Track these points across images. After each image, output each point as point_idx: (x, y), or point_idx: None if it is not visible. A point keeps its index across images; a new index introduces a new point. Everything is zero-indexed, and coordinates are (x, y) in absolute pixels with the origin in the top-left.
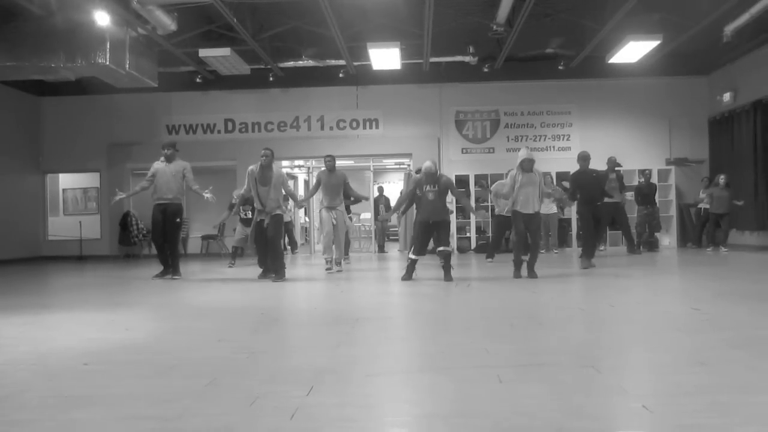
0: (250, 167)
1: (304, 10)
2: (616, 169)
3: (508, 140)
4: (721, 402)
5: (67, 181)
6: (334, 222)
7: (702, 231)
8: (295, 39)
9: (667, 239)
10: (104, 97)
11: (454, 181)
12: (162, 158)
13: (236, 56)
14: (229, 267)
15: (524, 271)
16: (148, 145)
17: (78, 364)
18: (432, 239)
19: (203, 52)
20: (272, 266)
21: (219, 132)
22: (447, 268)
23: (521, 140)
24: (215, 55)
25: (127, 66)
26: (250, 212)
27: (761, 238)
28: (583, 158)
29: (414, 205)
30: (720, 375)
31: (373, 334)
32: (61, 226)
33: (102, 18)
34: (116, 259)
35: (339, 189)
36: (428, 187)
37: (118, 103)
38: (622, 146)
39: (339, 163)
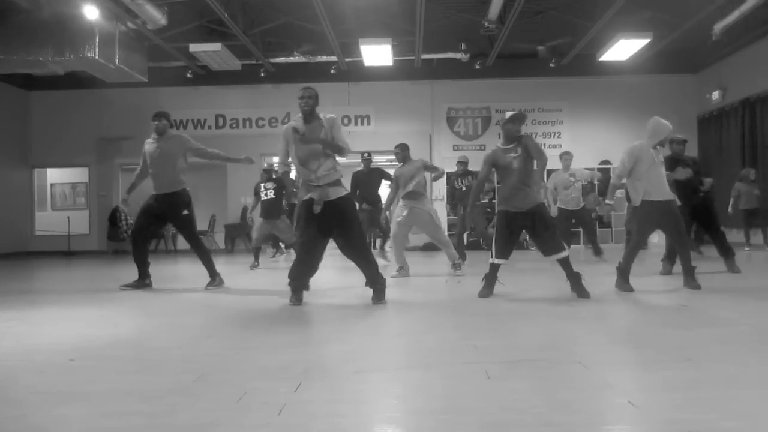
0: (285, 126)
1: (296, 5)
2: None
3: (499, 137)
4: (706, 397)
5: (55, 175)
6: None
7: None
8: (286, 34)
9: (656, 237)
10: (93, 92)
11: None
12: (153, 135)
13: (227, 51)
14: (252, 269)
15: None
16: (138, 140)
17: (65, 359)
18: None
19: (194, 47)
20: (369, 277)
21: (210, 128)
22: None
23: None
24: (206, 50)
25: (117, 60)
26: (272, 191)
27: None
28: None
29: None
30: (706, 370)
31: (363, 330)
32: (48, 222)
33: (91, 12)
34: (105, 254)
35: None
36: (513, 154)
37: (108, 98)
38: (612, 144)
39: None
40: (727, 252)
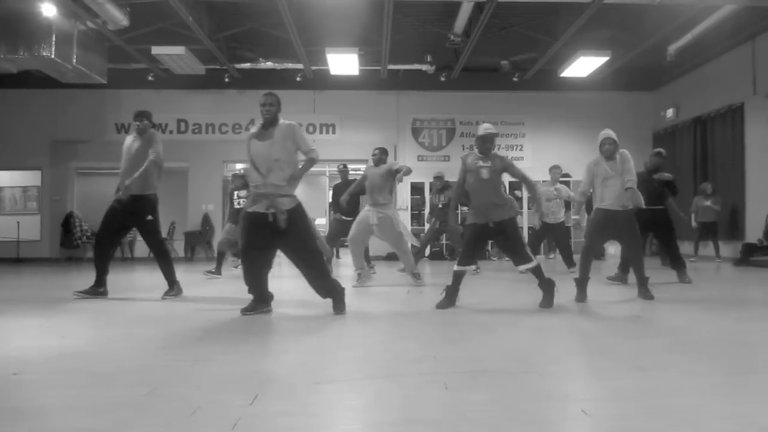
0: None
1: (263, 11)
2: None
3: (464, 149)
4: (656, 405)
5: (5, 178)
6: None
7: (645, 242)
8: (252, 40)
9: (613, 249)
10: (48, 92)
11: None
12: (134, 133)
13: (191, 55)
14: (207, 276)
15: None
16: (96, 144)
17: (7, 374)
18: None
19: (156, 50)
20: (326, 293)
21: (171, 132)
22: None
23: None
24: (169, 53)
25: (74, 60)
26: (245, 198)
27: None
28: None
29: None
30: (657, 379)
31: (322, 340)
32: None
33: (48, 9)
34: (57, 262)
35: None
36: (480, 162)
37: (64, 99)
38: (572, 157)
39: None
40: (678, 264)
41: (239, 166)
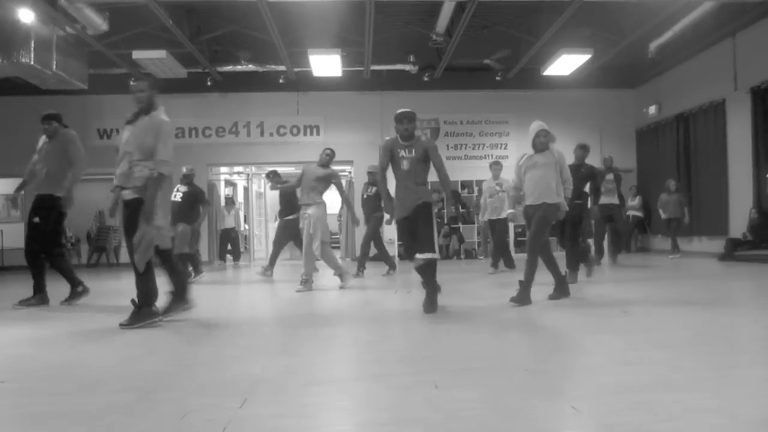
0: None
1: (244, 13)
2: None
3: (448, 148)
4: (644, 401)
5: None
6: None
7: (630, 238)
8: (234, 43)
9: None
10: (30, 98)
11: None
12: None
13: (172, 59)
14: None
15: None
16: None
17: None
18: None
19: (137, 54)
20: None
21: None
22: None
23: (460, 148)
24: (150, 57)
25: (54, 66)
26: (181, 195)
27: (684, 242)
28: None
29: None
30: (644, 375)
31: (312, 342)
32: None
33: (26, 15)
34: None
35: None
36: (403, 152)
37: (46, 105)
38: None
39: (279, 170)
40: (573, 265)
41: (223, 169)
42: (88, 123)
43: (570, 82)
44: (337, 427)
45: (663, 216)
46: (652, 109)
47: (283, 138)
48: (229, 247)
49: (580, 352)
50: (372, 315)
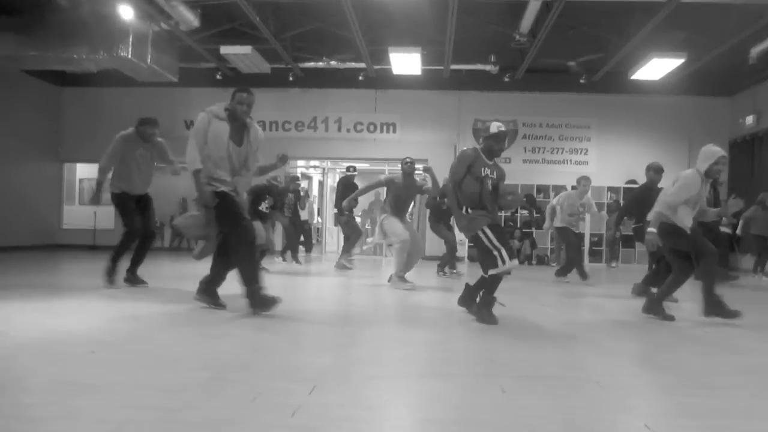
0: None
1: (327, 11)
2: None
3: (525, 151)
4: (722, 426)
5: (84, 171)
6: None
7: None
8: (316, 40)
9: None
10: (124, 90)
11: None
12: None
13: (257, 55)
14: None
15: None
16: (166, 139)
17: (86, 351)
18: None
19: (225, 50)
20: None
21: None
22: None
23: (538, 152)
24: (236, 52)
25: (149, 60)
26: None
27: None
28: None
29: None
30: (724, 399)
31: (379, 336)
32: (76, 216)
33: (126, 12)
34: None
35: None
36: (488, 171)
37: (138, 96)
38: (639, 163)
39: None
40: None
41: (300, 163)
42: (176, 114)
43: (659, 88)
44: (401, 422)
45: (751, 232)
46: (750, 119)
47: (360, 134)
48: (302, 239)
49: (657, 370)
50: (441, 315)
